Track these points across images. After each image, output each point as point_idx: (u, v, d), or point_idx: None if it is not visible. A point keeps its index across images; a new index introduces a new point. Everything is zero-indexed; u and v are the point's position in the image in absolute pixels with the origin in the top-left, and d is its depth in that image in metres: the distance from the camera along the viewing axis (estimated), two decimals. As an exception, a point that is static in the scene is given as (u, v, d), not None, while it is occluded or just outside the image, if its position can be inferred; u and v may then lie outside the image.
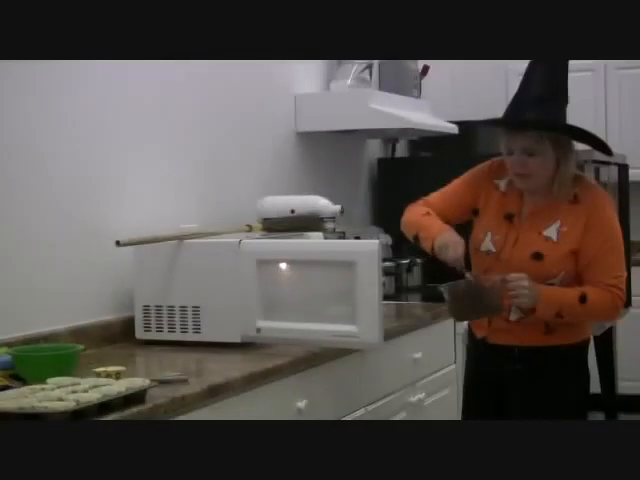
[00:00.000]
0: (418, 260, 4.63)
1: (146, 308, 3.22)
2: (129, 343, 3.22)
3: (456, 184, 3.17)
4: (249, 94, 4.07)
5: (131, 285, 3.26)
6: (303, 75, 4.49)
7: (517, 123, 2.90)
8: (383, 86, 4.83)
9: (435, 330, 3.95)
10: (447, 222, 3.07)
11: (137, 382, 2.40)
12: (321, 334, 2.95)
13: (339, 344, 2.99)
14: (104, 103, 3.27)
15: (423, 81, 5.03)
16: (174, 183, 3.62)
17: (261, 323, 3.03)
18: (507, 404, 3.03)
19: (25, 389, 2.33)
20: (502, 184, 3.06)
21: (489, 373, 3.07)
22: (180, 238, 3.18)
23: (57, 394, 2.25)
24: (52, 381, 2.38)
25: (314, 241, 3.34)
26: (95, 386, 2.34)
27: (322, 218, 3.69)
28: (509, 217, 3.00)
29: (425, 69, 5.07)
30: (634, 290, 5.16)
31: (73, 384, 2.36)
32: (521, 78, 2.93)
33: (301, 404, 2.93)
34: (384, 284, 3.37)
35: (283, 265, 3.04)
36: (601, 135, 3.01)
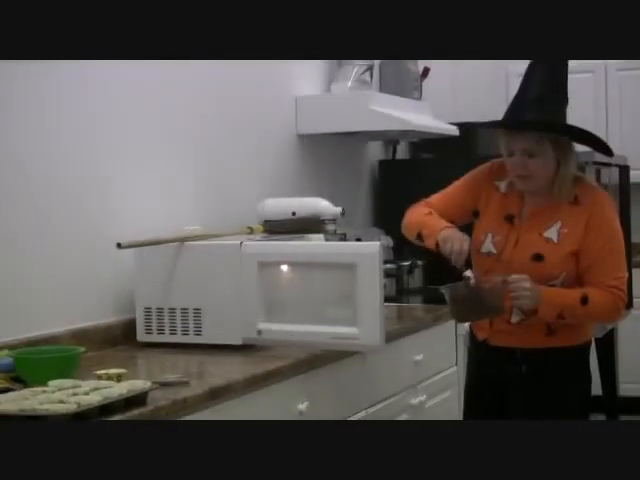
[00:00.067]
0: (419, 262, 4.63)
1: (147, 310, 3.22)
2: (130, 345, 3.22)
3: (457, 186, 3.17)
4: (250, 96, 4.07)
5: (132, 287, 3.26)
6: (304, 77, 4.49)
7: (517, 124, 2.90)
8: (384, 88, 4.83)
9: (436, 332, 3.95)
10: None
11: (138, 384, 2.40)
12: (322, 336, 2.95)
13: (340, 346, 2.99)
14: (105, 105, 3.27)
15: (424, 83, 5.03)
16: (175, 185, 3.62)
17: (262, 325, 3.03)
18: (508, 406, 3.03)
19: (26, 391, 2.33)
20: (502, 185, 3.06)
21: (490, 375, 3.07)
22: (181, 240, 3.18)
23: (58, 396, 2.25)
24: (53, 383, 2.38)
25: (315, 243, 3.34)
26: (96, 388, 2.34)
27: (323, 220, 3.69)
28: (509, 218, 3.00)
29: (426, 71, 5.07)
30: (635, 292, 5.16)
31: (74, 386, 2.36)
32: (521, 79, 2.94)
33: (302, 406, 2.93)
34: (385, 286, 3.36)
35: (284, 267, 3.04)
36: (602, 136, 3.01)
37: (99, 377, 2.51)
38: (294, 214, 3.73)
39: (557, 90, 2.92)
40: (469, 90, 6.07)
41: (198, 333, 3.15)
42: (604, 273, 2.89)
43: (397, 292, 4.55)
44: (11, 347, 2.74)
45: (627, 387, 6.16)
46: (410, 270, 4.67)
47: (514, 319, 2.96)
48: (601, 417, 5.79)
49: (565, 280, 2.91)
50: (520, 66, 3.05)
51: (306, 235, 3.41)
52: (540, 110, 2.87)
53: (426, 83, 5.08)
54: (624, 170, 5.62)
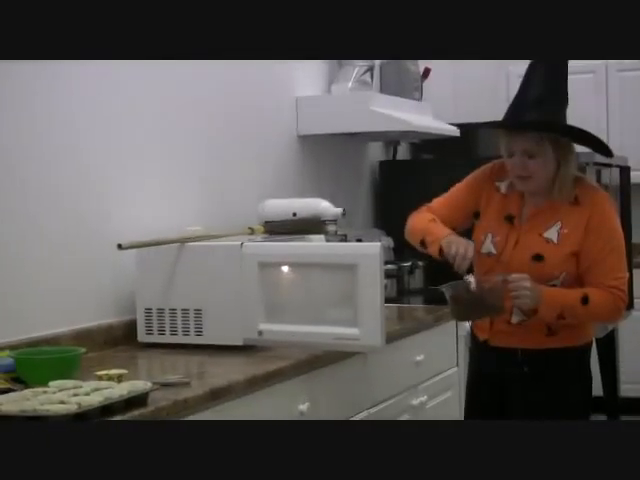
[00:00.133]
0: (420, 263, 4.63)
1: (148, 311, 3.22)
2: (131, 346, 3.22)
3: (458, 189, 3.17)
4: (250, 97, 4.07)
5: (133, 288, 3.26)
6: (304, 78, 4.49)
7: (517, 124, 2.90)
8: (384, 89, 4.83)
9: (437, 333, 3.95)
10: (451, 227, 3.06)
11: (139, 385, 2.40)
12: (323, 337, 2.95)
13: (341, 347, 2.99)
14: (105, 106, 3.27)
15: (424, 83, 5.03)
16: (176, 186, 3.62)
17: (263, 326, 3.03)
18: (509, 407, 3.03)
19: (27, 392, 2.33)
20: (503, 186, 3.06)
21: (491, 376, 3.07)
22: (182, 241, 3.19)
23: (59, 397, 2.25)
24: (54, 384, 2.38)
25: (316, 244, 3.34)
26: (97, 389, 2.34)
27: (324, 221, 3.69)
28: (510, 219, 3.00)
29: (426, 71, 5.07)
30: (636, 292, 5.16)
31: (75, 387, 2.36)
32: (521, 80, 2.94)
33: (303, 407, 2.93)
34: (386, 287, 3.36)
35: (285, 268, 3.04)
36: (602, 137, 3.01)
37: (100, 378, 2.51)
38: (295, 215, 3.73)
39: (557, 91, 2.92)
40: (470, 91, 6.07)
41: (199, 334, 3.15)
42: (604, 273, 2.89)
43: (398, 293, 4.55)
44: (12, 347, 2.74)
45: (628, 388, 6.16)
46: (411, 271, 4.67)
47: (514, 319, 2.96)
48: (602, 418, 5.78)
49: (565, 280, 2.91)
50: (521, 67, 3.05)
51: (307, 236, 3.41)
52: (540, 111, 2.87)
53: (427, 84, 5.08)
54: (625, 171, 5.62)
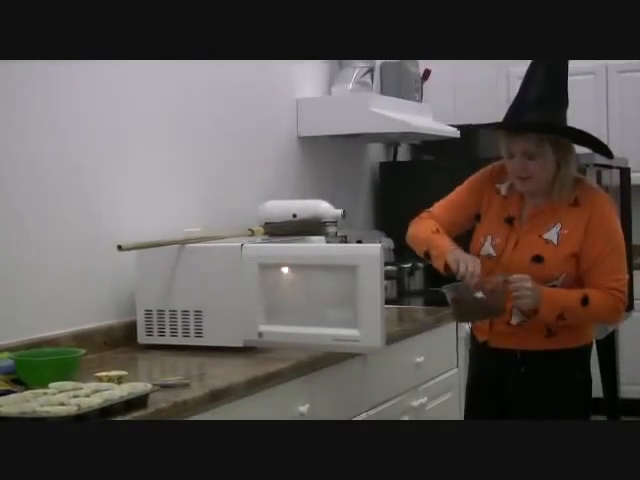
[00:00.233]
0: (420, 264, 4.62)
1: (148, 312, 3.22)
2: (131, 347, 3.22)
3: (458, 192, 3.16)
4: (251, 98, 4.07)
5: (133, 289, 3.26)
6: (304, 79, 4.50)
7: (517, 125, 2.90)
8: (384, 90, 4.83)
9: (437, 334, 3.95)
10: (454, 231, 3.07)
11: (139, 387, 2.39)
12: (323, 338, 2.95)
13: (341, 348, 2.99)
14: (105, 106, 3.27)
15: (424, 85, 5.03)
16: (176, 187, 3.62)
17: (263, 327, 3.03)
18: (509, 408, 3.03)
19: (27, 393, 2.33)
20: (503, 188, 3.06)
21: (491, 377, 3.07)
22: (182, 242, 3.19)
23: (59, 399, 2.25)
24: (54, 386, 2.38)
25: (316, 245, 3.34)
26: (97, 391, 2.34)
27: (324, 222, 3.69)
28: (509, 220, 3.00)
29: (426, 73, 5.07)
30: (636, 294, 5.16)
31: (75, 389, 2.36)
32: (521, 81, 2.94)
33: (303, 408, 2.93)
34: (386, 288, 3.36)
35: (285, 269, 3.04)
36: (602, 139, 3.01)
37: (100, 379, 2.51)
38: (295, 216, 3.73)
39: (557, 92, 2.92)
40: (470, 92, 6.07)
41: (199, 335, 3.15)
42: (604, 275, 2.89)
43: (398, 294, 4.54)
44: (12, 349, 2.74)
45: (628, 389, 6.16)
46: (411, 272, 4.67)
47: (514, 320, 2.96)
48: (602, 419, 5.78)
49: (565, 282, 2.91)
50: (521, 68, 3.05)
51: (307, 237, 3.41)
52: (540, 112, 2.87)
53: (427, 85, 5.09)
54: (625, 172, 5.62)
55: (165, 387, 2.53)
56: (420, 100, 4.92)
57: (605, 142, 3.02)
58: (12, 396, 2.31)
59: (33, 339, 2.91)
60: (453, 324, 4.01)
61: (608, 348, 5.81)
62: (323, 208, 3.74)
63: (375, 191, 5.19)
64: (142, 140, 3.45)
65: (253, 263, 3.05)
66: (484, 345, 3.08)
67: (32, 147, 2.99)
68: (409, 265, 4.64)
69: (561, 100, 2.92)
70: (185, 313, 3.17)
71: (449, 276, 2.94)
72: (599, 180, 5.10)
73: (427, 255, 3.05)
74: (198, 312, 3.15)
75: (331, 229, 3.70)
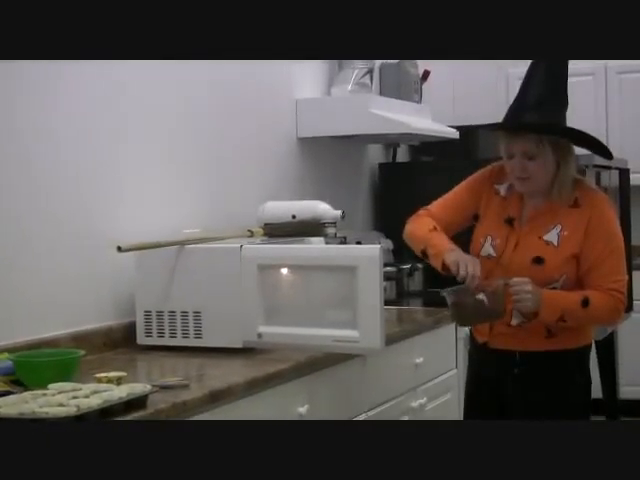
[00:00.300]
0: (419, 265, 4.62)
1: (147, 313, 3.22)
2: (130, 348, 3.22)
3: (457, 191, 3.16)
4: (250, 99, 4.07)
5: (132, 290, 3.26)
6: (304, 80, 4.49)
7: (517, 126, 2.90)
8: (384, 91, 4.83)
9: (436, 335, 3.95)
10: (451, 230, 3.07)
11: (138, 387, 2.39)
12: (322, 339, 2.95)
13: (340, 349, 2.99)
14: (104, 106, 3.27)
15: (424, 86, 5.03)
16: (175, 189, 3.62)
17: (262, 328, 3.03)
18: (508, 409, 3.02)
19: (26, 394, 2.33)
20: (502, 189, 3.06)
21: (490, 378, 3.07)
22: (181, 243, 3.18)
23: (58, 400, 2.25)
24: (53, 387, 2.38)
25: (315, 246, 3.34)
26: (96, 392, 2.34)
27: (323, 223, 3.69)
28: (509, 221, 3.00)
29: (426, 74, 5.07)
30: (635, 295, 5.16)
31: (74, 390, 2.36)
32: (521, 82, 2.94)
33: (302, 409, 2.93)
34: (385, 289, 3.36)
35: (284, 270, 3.04)
36: (602, 140, 3.01)
37: (99, 380, 2.51)
38: (294, 217, 3.72)
39: (557, 92, 2.92)
40: (469, 93, 6.07)
41: (198, 336, 3.15)
42: (604, 276, 2.89)
43: (397, 295, 4.54)
44: (11, 350, 2.74)
45: (627, 390, 6.16)
46: (410, 273, 4.67)
47: (514, 322, 2.96)
48: (601, 420, 5.78)
49: (565, 283, 2.91)
50: (520, 69, 3.05)
51: (306, 238, 3.41)
52: (540, 112, 2.87)
53: (426, 86, 5.08)
54: (624, 173, 5.62)
55: (164, 388, 2.53)
56: (419, 101, 4.92)
57: (604, 143, 3.02)
58: (11, 397, 2.31)
59: (32, 340, 2.91)
60: (452, 325, 4.01)
61: (607, 349, 5.81)
62: (322, 209, 3.73)
63: (374, 192, 5.19)
64: (141, 141, 3.44)
65: (252, 264, 3.05)
66: (484, 346, 3.08)
67: (32, 148, 2.99)
68: (408, 266, 4.64)
69: (561, 101, 2.93)
70: (184, 314, 3.17)
71: (449, 277, 2.94)
72: (598, 181, 5.10)
73: (424, 253, 3.05)
74: (197, 313, 3.15)
75: (330, 230, 3.70)
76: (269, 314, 3.03)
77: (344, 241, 3.91)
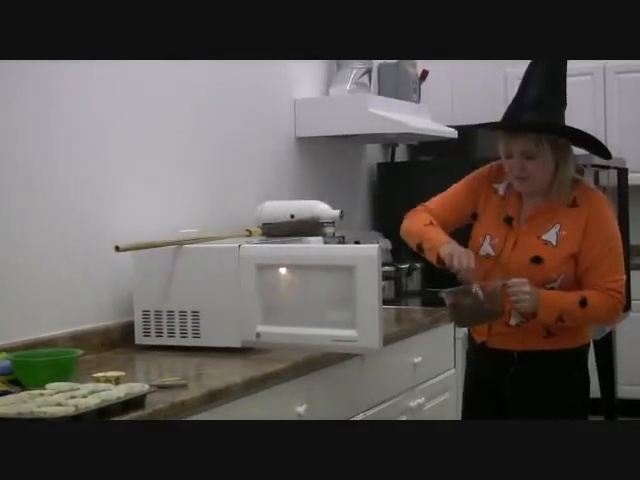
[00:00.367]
0: (417, 264, 4.63)
1: (145, 313, 3.22)
2: (128, 348, 3.22)
3: (455, 189, 3.17)
4: (249, 99, 4.07)
5: (130, 290, 3.26)
6: (302, 80, 4.49)
7: (516, 125, 2.90)
8: (382, 91, 4.83)
9: (435, 335, 3.95)
10: (448, 227, 3.07)
11: (136, 387, 2.39)
12: (321, 339, 2.94)
13: (339, 349, 2.99)
14: (104, 107, 3.27)
15: (422, 85, 5.03)
16: (174, 188, 3.62)
17: (261, 328, 3.03)
18: (507, 409, 3.02)
19: (24, 394, 2.32)
20: (501, 188, 3.06)
21: (489, 378, 3.07)
22: (179, 243, 3.18)
23: (56, 399, 2.24)
24: (51, 386, 2.38)
25: (314, 246, 3.34)
26: (94, 391, 2.33)
27: (322, 223, 3.69)
28: (508, 220, 3.00)
29: (424, 73, 5.07)
30: (634, 294, 5.16)
31: (72, 389, 2.35)
32: (520, 81, 2.94)
33: (301, 409, 2.92)
34: (384, 288, 3.36)
35: (283, 270, 3.04)
36: (600, 139, 3.01)
37: (97, 380, 2.51)
38: (293, 217, 3.72)
39: (556, 92, 2.92)
40: (468, 93, 6.07)
41: (196, 336, 3.15)
42: (602, 276, 2.89)
43: (396, 295, 4.54)
44: (9, 350, 2.74)
45: (625, 389, 6.16)
46: (408, 273, 4.67)
47: (512, 321, 2.96)
48: (600, 419, 5.78)
49: (563, 283, 2.91)
50: (519, 69, 3.05)
51: (304, 238, 3.41)
52: (539, 112, 2.87)
53: (425, 86, 5.08)
54: (622, 173, 5.62)
55: (162, 388, 2.53)
56: (418, 101, 4.92)
57: (603, 143, 3.02)
58: (9, 397, 2.31)
59: (30, 340, 2.91)
60: (450, 325, 4.00)
61: (606, 348, 5.81)
62: (321, 209, 3.73)
63: (373, 192, 5.19)
64: (139, 141, 3.44)
65: (251, 264, 3.05)
66: (482, 346, 3.08)
67: (31, 148, 2.99)
68: (407, 266, 4.64)
69: (560, 101, 2.93)
70: (183, 314, 3.17)
71: (447, 276, 2.94)
72: (597, 181, 5.10)
73: (420, 248, 3.05)
74: (196, 313, 3.15)
75: (329, 230, 3.70)
76: (267, 314, 3.03)
77: (342, 241, 3.91)
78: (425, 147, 5.33)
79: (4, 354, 2.66)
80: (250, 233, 3.46)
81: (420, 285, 4.71)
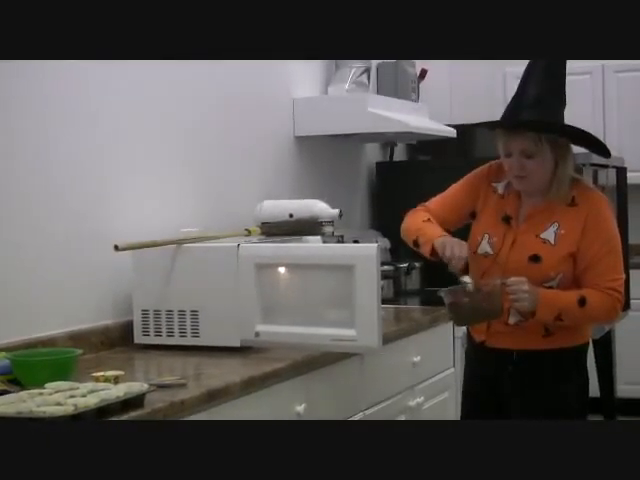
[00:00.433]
0: (416, 264, 4.63)
1: (145, 312, 3.22)
2: (127, 347, 3.22)
3: (455, 188, 3.17)
4: (247, 98, 4.07)
5: (130, 289, 3.26)
6: (301, 79, 4.49)
7: (515, 124, 2.90)
8: (381, 90, 4.83)
9: (434, 334, 3.95)
10: (447, 227, 3.07)
11: (135, 386, 2.39)
12: (320, 338, 2.94)
13: (338, 348, 2.99)
14: (103, 106, 3.27)
15: (421, 85, 5.03)
16: (173, 188, 3.62)
17: (260, 327, 3.03)
18: (506, 408, 3.02)
19: (23, 394, 2.32)
20: (500, 187, 3.06)
21: (488, 377, 3.07)
22: (179, 242, 3.18)
23: (55, 399, 2.24)
24: (50, 386, 2.38)
25: (313, 245, 3.34)
26: (93, 391, 2.33)
27: (321, 222, 3.69)
28: (507, 219, 3.01)
29: (423, 73, 5.07)
30: (633, 293, 5.16)
31: (71, 389, 2.35)
32: (519, 80, 2.94)
33: (300, 408, 2.92)
34: (383, 288, 3.36)
35: (282, 269, 3.04)
36: (599, 138, 3.01)
37: (96, 379, 2.51)
38: (291, 216, 3.73)
39: (555, 91, 2.92)
40: (466, 92, 6.07)
41: (195, 335, 3.15)
42: (601, 275, 2.89)
43: (395, 294, 4.55)
44: (8, 349, 2.74)
45: (625, 388, 6.16)
46: (407, 272, 4.67)
47: (511, 321, 2.96)
48: (599, 419, 5.78)
49: (561, 281, 2.91)
50: (518, 68, 3.05)
51: (303, 237, 3.41)
52: (538, 111, 2.87)
53: (423, 85, 5.08)
54: (621, 172, 5.62)
55: (162, 387, 2.53)
56: (417, 100, 4.92)
57: (602, 141, 3.02)
58: (9, 396, 2.31)
59: (29, 339, 2.91)
60: (450, 324, 4.01)
61: (605, 347, 5.81)
62: (320, 208, 3.73)
63: (372, 191, 5.19)
64: (138, 140, 3.44)
65: (250, 263, 3.05)
66: (481, 345, 3.08)
67: (31, 148, 2.99)
68: (406, 265, 4.65)
69: (559, 99, 2.92)
70: (182, 313, 3.17)
71: (447, 276, 2.94)
72: (595, 180, 5.10)
73: (416, 243, 3.06)
74: (195, 312, 3.15)
75: (328, 229, 3.70)
76: (266, 313, 3.03)
77: (341, 240, 3.91)
78: (424, 146, 5.34)
79: (3, 353, 2.66)
80: (249, 232, 3.46)
81: (419, 284, 4.71)
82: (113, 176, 3.31)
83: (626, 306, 4.51)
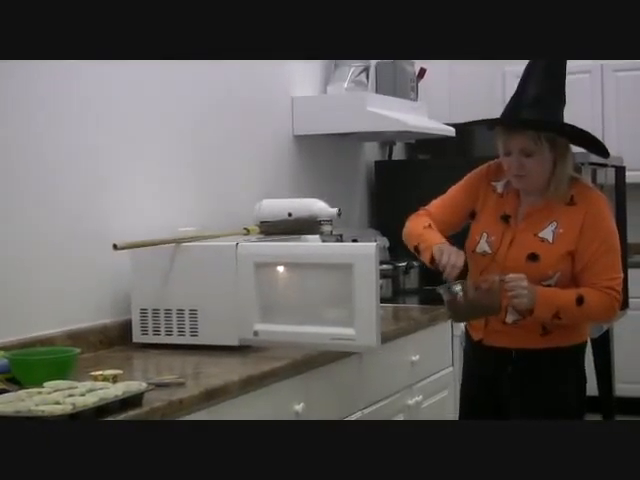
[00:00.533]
0: (415, 263, 4.62)
1: (143, 311, 3.22)
2: (126, 346, 3.22)
3: (455, 190, 3.17)
4: (247, 97, 4.07)
5: (128, 288, 3.26)
6: (300, 78, 4.49)
7: (515, 123, 2.90)
8: (380, 89, 4.83)
9: (432, 333, 3.95)
10: (449, 229, 3.08)
11: (134, 385, 2.39)
12: (318, 337, 2.95)
13: (337, 347, 2.99)
14: (103, 106, 3.27)
15: (420, 84, 5.03)
16: (171, 186, 3.62)
17: (259, 326, 3.03)
18: (504, 406, 3.03)
19: (22, 393, 2.32)
20: (499, 186, 3.06)
21: (486, 376, 3.07)
22: (177, 241, 3.18)
23: (54, 398, 2.24)
24: (49, 385, 2.38)
25: (311, 244, 3.34)
26: (92, 390, 2.33)
27: (319, 221, 3.69)
28: (505, 218, 3.01)
29: (422, 72, 5.07)
30: (631, 292, 5.17)
31: (70, 388, 2.35)
32: (518, 80, 2.94)
33: (299, 407, 2.93)
34: (381, 287, 3.36)
35: (280, 268, 3.04)
36: (598, 137, 3.01)
37: (95, 378, 2.51)
38: (290, 215, 3.73)
39: (555, 90, 2.92)
40: (465, 91, 6.07)
41: (194, 334, 3.15)
42: (599, 274, 2.89)
43: (393, 293, 4.54)
44: (6, 348, 2.74)
45: (623, 387, 6.16)
46: (406, 271, 4.67)
47: (509, 319, 2.96)
48: (597, 418, 5.79)
49: (559, 280, 2.91)
50: (517, 67, 3.05)
51: (302, 236, 3.41)
52: (537, 110, 2.87)
53: (422, 84, 5.08)
54: (620, 171, 5.62)
55: (160, 386, 2.53)
56: (415, 99, 4.92)
57: (601, 141, 3.02)
58: (7, 395, 2.31)
59: (28, 338, 2.91)
60: (448, 323, 4.01)
61: (603, 346, 5.81)
62: (318, 207, 3.73)
63: (370, 190, 5.19)
64: (137, 139, 3.44)
65: (248, 262, 3.05)
66: (479, 344, 3.08)
67: (31, 148, 2.99)
68: (404, 264, 4.64)
69: (559, 99, 2.93)
70: (180, 312, 3.17)
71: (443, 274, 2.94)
72: (594, 179, 5.10)
73: (417, 249, 3.06)
74: (193, 311, 3.15)
75: (326, 228, 3.70)
76: (265, 312, 3.04)
77: (340, 239, 3.91)
78: (423, 145, 5.34)
79: (2, 352, 2.66)
80: (248, 231, 3.46)
81: (418, 283, 4.71)
82: (112, 175, 3.31)
83: (624, 305, 4.51)
